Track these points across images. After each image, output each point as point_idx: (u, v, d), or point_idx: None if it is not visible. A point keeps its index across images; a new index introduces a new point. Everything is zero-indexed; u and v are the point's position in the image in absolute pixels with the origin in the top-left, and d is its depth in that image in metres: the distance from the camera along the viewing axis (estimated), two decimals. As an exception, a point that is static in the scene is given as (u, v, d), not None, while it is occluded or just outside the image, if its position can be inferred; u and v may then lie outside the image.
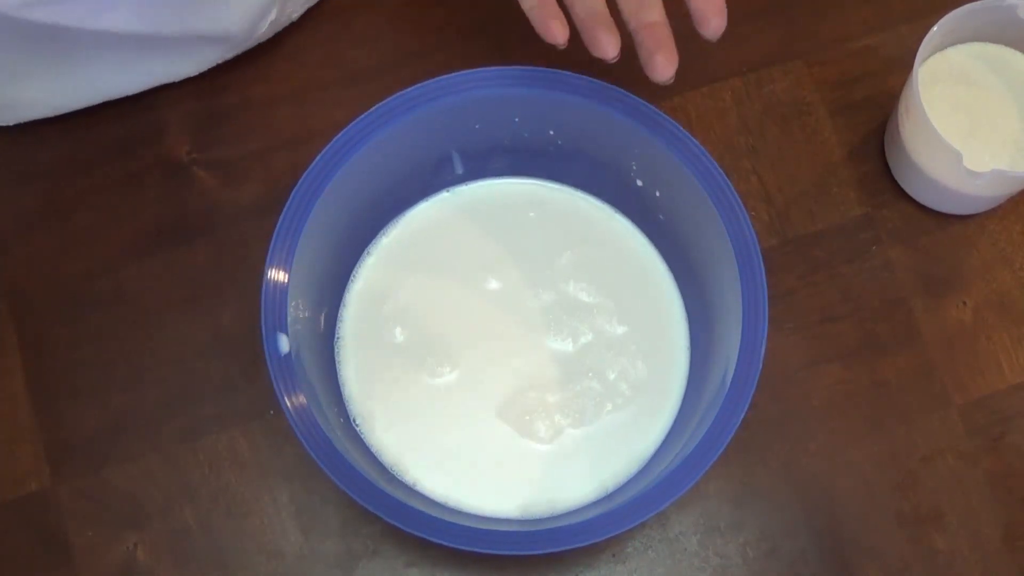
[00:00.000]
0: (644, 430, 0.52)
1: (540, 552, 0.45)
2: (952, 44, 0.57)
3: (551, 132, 0.53)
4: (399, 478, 0.51)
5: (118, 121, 0.59)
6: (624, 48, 0.61)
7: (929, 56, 0.56)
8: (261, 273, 0.47)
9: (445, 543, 0.44)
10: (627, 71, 0.59)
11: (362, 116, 0.50)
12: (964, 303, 0.57)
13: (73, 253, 0.58)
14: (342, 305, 0.54)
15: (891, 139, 0.58)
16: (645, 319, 0.54)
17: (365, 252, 0.55)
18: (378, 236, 0.55)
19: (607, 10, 0.46)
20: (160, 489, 0.54)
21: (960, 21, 0.54)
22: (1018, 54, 0.57)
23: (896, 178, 0.59)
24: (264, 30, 0.57)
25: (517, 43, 0.61)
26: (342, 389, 0.53)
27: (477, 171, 0.56)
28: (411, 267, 0.55)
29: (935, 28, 0.53)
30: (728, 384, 0.46)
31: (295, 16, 0.59)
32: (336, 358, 0.53)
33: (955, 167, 0.52)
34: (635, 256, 0.55)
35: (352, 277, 0.55)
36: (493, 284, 0.54)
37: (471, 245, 0.55)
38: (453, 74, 0.50)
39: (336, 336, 0.53)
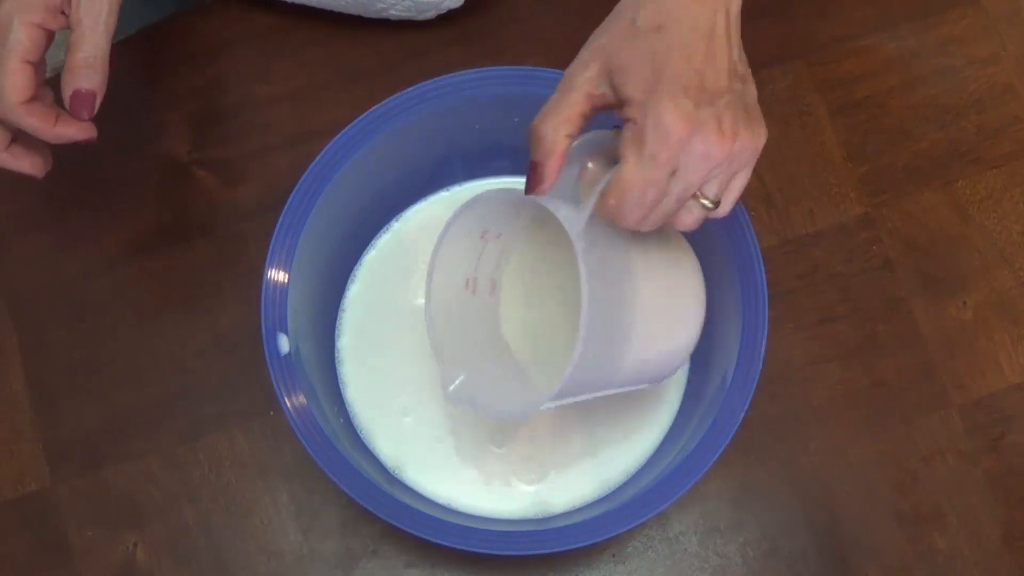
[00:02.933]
0: (644, 430, 0.52)
1: (540, 552, 0.45)
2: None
3: (551, 132, 0.53)
4: (399, 478, 0.51)
5: (118, 121, 0.59)
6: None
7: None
8: (261, 273, 0.47)
9: (445, 543, 0.44)
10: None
11: (362, 116, 0.50)
12: (964, 303, 0.57)
13: (73, 253, 0.57)
14: (341, 306, 0.54)
15: None
16: (645, 319, 0.54)
17: (365, 251, 0.55)
18: (378, 235, 0.55)
19: None
20: (160, 489, 0.54)
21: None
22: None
23: None
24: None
25: (516, 44, 0.61)
26: (342, 389, 0.53)
27: (476, 171, 0.56)
28: (410, 266, 0.55)
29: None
30: (728, 384, 0.46)
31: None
32: (336, 358, 0.53)
33: None
34: (635, 256, 0.55)
35: (352, 276, 0.55)
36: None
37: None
38: (453, 74, 0.50)
39: (336, 336, 0.53)
